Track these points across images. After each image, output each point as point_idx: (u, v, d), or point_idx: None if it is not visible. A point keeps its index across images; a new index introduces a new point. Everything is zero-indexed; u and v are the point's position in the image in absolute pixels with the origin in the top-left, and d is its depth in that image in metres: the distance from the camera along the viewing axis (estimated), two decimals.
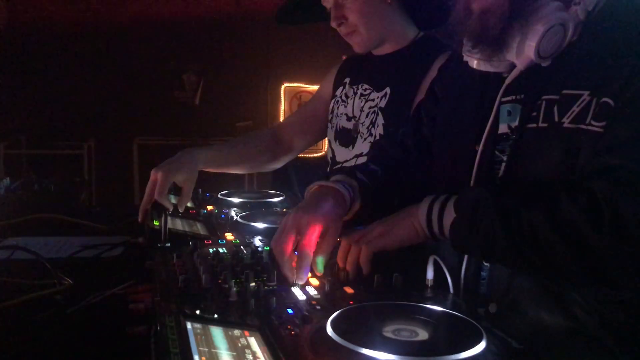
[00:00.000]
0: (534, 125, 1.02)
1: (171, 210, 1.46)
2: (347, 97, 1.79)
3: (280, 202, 1.81)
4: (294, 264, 1.06)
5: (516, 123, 1.06)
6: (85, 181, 1.97)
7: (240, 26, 5.63)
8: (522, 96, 1.06)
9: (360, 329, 0.82)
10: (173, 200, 1.58)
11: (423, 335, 0.80)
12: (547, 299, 1.01)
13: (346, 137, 1.75)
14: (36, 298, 1.11)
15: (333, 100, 1.84)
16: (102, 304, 1.09)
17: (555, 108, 0.99)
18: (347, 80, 1.82)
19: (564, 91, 0.99)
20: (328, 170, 1.82)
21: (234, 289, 0.95)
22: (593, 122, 0.94)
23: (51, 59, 5.19)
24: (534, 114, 1.02)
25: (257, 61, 5.77)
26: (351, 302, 0.95)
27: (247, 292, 0.97)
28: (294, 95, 6.04)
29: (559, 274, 0.94)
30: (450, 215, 1.03)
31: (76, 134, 5.16)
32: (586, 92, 0.96)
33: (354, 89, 1.78)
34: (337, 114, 1.81)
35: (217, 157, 1.69)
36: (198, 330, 0.80)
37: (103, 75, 5.34)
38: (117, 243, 1.44)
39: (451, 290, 1.04)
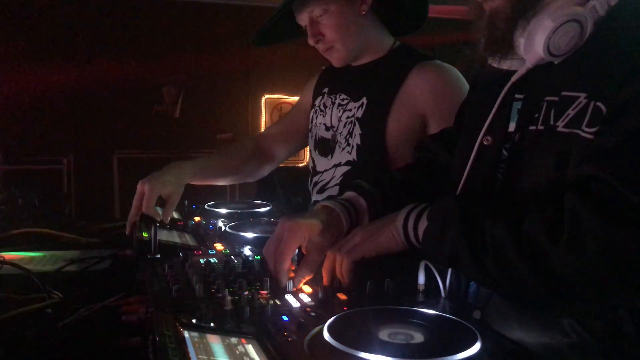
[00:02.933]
0: (534, 127, 0.99)
1: (159, 220, 1.47)
2: (325, 106, 1.80)
3: (267, 212, 1.82)
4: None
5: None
6: (66, 195, 1.95)
7: (220, 37, 5.64)
8: (525, 95, 1.04)
9: (357, 333, 0.83)
10: (159, 210, 1.58)
11: (419, 338, 0.81)
12: (527, 312, 1.00)
13: (325, 147, 1.76)
14: (27, 313, 1.10)
15: (312, 110, 1.86)
16: (93, 316, 1.09)
17: (553, 110, 0.96)
18: (326, 90, 1.83)
19: (563, 93, 0.95)
20: (310, 179, 1.83)
21: (229, 297, 0.96)
22: (585, 128, 0.90)
23: (28, 72, 5.14)
24: (536, 115, 0.99)
25: (237, 73, 5.79)
26: (345, 308, 0.96)
27: (241, 301, 0.97)
28: (275, 106, 6.07)
29: (517, 288, 0.91)
30: (424, 224, 1.03)
31: (55, 149, 5.10)
32: (583, 95, 0.92)
33: (332, 98, 1.79)
34: (315, 123, 1.82)
35: (203, 169, 1.70)
36: (196, 339, 0.80)
37: (81, 88, 5.29)
38: (104, 256, 1.43)
39: (443, 294, 1.05)
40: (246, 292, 1.02)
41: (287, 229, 1.10)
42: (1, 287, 1.25)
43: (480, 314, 1.02)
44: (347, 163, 1.68)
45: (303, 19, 1.65)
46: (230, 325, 0.87)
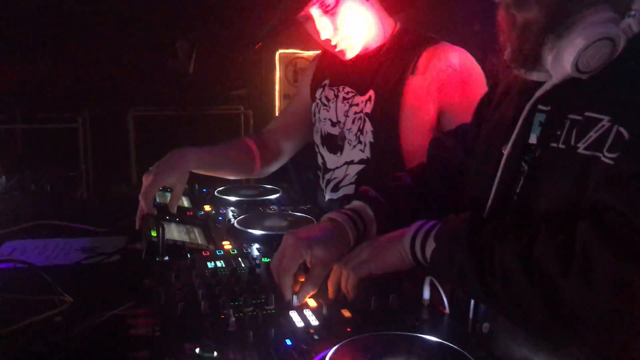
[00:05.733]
0: (555, 145, 0.96)
1: (168, 215, 1.49)
2: (328, 100, 1.73)
3: (277, 199, 1.82)
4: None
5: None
6: (77, 177, 1.97)
7: None
8: (549, 108, 1.00)
9: None
10: (168, 196, 1.60)
11: None
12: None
13: (333, 144, 1.71)
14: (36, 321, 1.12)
15: (314, 104, 1.79)
16: (102, 325, 1.10)
17: (575, 130, 0.93)
18: (327, 82, 1.76)
19: (587, 113, 0.91)
20: (321, 176, 1.78)
21: (232, 318, 0.97)
22: (607, 153, 0.86)
23: (42, 30, 5.10)
24: (558, 132, 0.96)
25: (250, 27, 5.68)
26: (348, 329, 0.97)
27: (245, 321, 0.98)
28: (289, 61, 5.97)
29: (526, 318, 0.89)
30: (432, 245, 1.01)
31: (70, 107, 5.10)
32: (607, 118, 0.88)
33: (334, 91, 1.71)
34: (319, 118, 1.76)
35: (208, 160, 1.67)
36: None
37: (94, 45, 5.25)
38: (113, 252, 1.45)
39: (447, 310, 1.05)
40: (251, 308, 1.03)
41: (289, 245, 1.11)
42: (13, 283, 1.29)
43: (488, 327, 1.02)
44: (361, 161, 1.63)
45: (313, 14, 1.55)
46: (234, 353, 0.88)
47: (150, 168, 1.59)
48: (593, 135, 0.89)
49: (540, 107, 1.02)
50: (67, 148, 4.98)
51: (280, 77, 5.93)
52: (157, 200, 1.60)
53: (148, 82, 5.43)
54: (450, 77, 1.55)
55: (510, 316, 0.95)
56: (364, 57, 1.65)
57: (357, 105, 1.64)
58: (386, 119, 1.58)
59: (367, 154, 1.62)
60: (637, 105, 0.85)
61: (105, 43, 5.27)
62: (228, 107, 5.68)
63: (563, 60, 0.92)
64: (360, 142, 1.63)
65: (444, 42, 1.59)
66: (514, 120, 1.04)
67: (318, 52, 1.91)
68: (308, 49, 5.67)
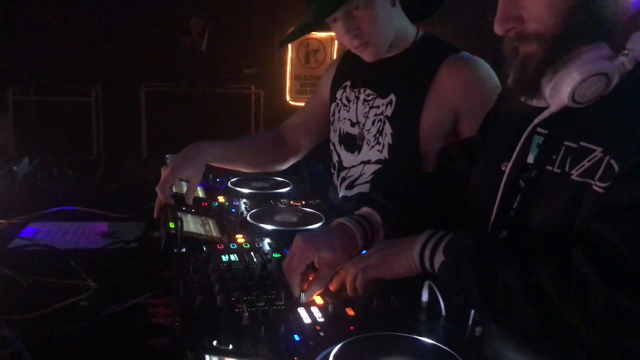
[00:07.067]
0: (551, 168, 1.03)
1: (173, 203, 1.60)
2: (348, 100, 1.80)
3: (287, 192, 1.90)
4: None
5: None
6: (95, 160, 2.06)
7: None
8: (547, 132, 1.07)
9: None
10: (184, 187, 1.69)
11: None
12: None
13: (351, 143, 1.78)
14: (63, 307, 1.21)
15: (333, 104, 1.85)
16: (123, 312, 1.20)
17: (570, 157, 0.99)
18: (347, 83, 1.82)
19: (582, 142, 0.98)
20: (336, 173, 1.85)
21: (246, 313, 1.06)
22: (598, 182, 0.93)
23: (58, 3, 5.15)
24: (554, 156, 1.03)
25: (265, 6, 5.72)
26: (352, 328, 1.06)
27: (258, 315, 1.07)
28: (302, 42, 5.99)
29: (525, 334, 0.97)
30: (440, 257, 1.09)
31: (83, 80, 5.18)
32: (599, 149, 0.95)
33: (355, 92, 1.78)
34: (338, 118, 1.82)
35: (224, 154, 1.76)
36: None
37: (109, 18, 5.30)
38: (132, 240, 1.54)
39: (443, 313, 1.14)
40: (262, 303, 1.12)
41: (298, 247, 1.20)
42: (38, 266, 1.38)
43: (481, 330, 1.11)
44: (378, 162, 1.70)
45: (337, 14, 1.60)
46: (247, 346, 0.97)
47: (167, 159, 1.68)
48: (586, 164, 0.97)
49: (539, 129, 1.09)
50: (79, 122, 5.08)
51: (292, 58, 5.97)
52: (174, 189, 1.69)
53: (161, 58, 5.49)
54: (470, 87, 1.61)
55: (510, 331, 1.02)
56: (386, 62, 1.71)
57: (377, 107, 1.71)
58: (406, 123, 1.65)
59: (384, 154, 1.69)
60: (627, 139, 0.92)
61: (120, 18, 5.32)
62: (239, 86, 5.74)
63: (560, 91, 0.99)
64: (378, 142, 1.70)
65: (464, 52, 1.66)
66: (515, 140, 1.11)
67: (331, 33, 1.96)
68: (321, 30, 5.70)
